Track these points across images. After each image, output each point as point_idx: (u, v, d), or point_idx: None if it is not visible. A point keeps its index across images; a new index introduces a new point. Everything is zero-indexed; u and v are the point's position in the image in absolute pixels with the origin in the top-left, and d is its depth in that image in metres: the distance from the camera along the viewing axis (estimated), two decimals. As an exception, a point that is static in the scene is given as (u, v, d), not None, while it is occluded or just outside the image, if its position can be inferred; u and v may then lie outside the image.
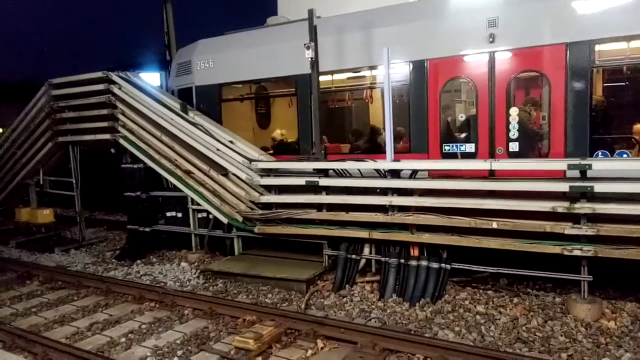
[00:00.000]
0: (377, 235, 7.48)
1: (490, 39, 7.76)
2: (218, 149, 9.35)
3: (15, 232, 12.86)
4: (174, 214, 10.28)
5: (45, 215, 12.33)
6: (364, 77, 9.33)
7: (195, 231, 9.96)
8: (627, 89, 7.50)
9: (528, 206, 6.48)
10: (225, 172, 9.16)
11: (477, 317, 6.43)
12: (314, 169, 8.35)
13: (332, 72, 9.37)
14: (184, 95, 11.25)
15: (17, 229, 12.91)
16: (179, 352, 5.87)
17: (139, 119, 10.29)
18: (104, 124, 10.68)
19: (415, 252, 7.32)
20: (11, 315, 7.51)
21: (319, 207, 8.17)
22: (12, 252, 11.66)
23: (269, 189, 8.80)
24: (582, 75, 7.22)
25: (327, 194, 8.14)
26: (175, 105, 10.42)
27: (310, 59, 8.45)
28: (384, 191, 7.71)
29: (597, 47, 7.11)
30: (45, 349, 5.99)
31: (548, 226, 6.33)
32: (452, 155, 8.24)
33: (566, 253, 6.19)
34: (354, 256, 7.83)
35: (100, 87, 10.70)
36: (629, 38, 6.91)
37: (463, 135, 8.36)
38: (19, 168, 12.48)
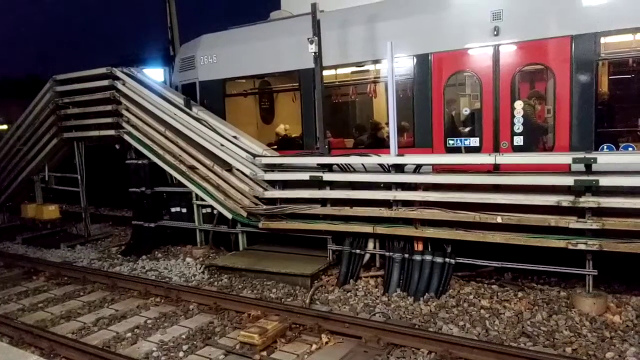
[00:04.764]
0: (381, 230, 7.47)
1: (495, 32, 7.70)
2: (222, 144, 9.36)
3: (21, 228, 12.98)
4: (178, 209, 10.31)
5: (51, 211, 12.40)
6: (367, 71, 9.28)
7: (200, 227, 9.99)
8: (632, 82, 7.43)
9: (533, 200, 6.45)
10: (229, 168, 9.17)
11: (482, 311, 6.42)
12: (317, 164, 8.34)
13: (335, 67, 9.33)
14: (188, 91, 11.24)
15: (23, 225, 13.02)
16: (185, 347, 5.92)
17: (143, 115, 10.30)
18: (109, 120, 10.70)
19: (419, 246, 7.31)
20: (18, 311, 7.58)
21: (323, 202, 8.17)
22: (19, 248, 11.78)
23: (273, 184, 8.81)
24: (587, 68, 7.16)
25: (331, 189, 8.14)
26: (179, 100, 10.42)
27: (313, 54, 8.43)
28: (388, 186, 7.70)
29: (603, 40, 7.05)
30: (51, 344, 6.05)
31: (553, 220, 6.31)
32: (456, 150, 8.20)
33: (571, 247, 6.16)
34: (358, 251, 7.83)
35: (105, 83, 10.72)
36: (634, 30, 6.84)
37: (467, 129, 8.32)
38: (24, 164, 12.54)
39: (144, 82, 10.77)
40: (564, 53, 7.27)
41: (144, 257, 10.07)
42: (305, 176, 8.27)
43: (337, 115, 10.54)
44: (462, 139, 8.19)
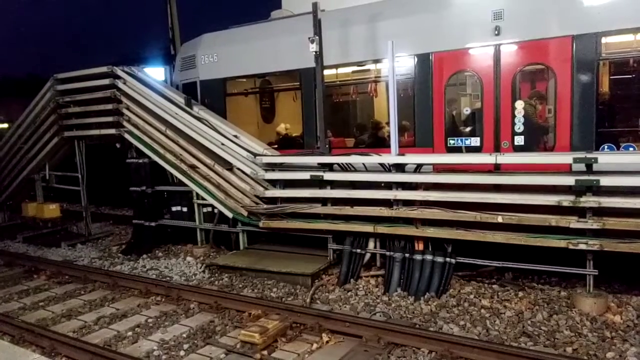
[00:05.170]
0: (382, 229, 7.47)
1: (496, 32, 7.70)
2: (223, 144, 9.37)
3: (22, 227, 12.97)
4: (179, 208, 10.31)
5: (52, 210, 12.40)
6: (368, 70, 9.28)
7: (200, 226, 9.99)
8: (633, 82, 7.42)
9: (533, 200, 6.45)
10: (230, 167, 9.18)
11: (482, 311, 6.42)
12: (318, 163, 8.34)
13: (336, 66, 9.34)
14: (189, 90, 11.24)
15: (24, 224, 13.01)
16: (185, 346, 5.92)
17: (143, 114, 10.30)
18: (109, 119, 10.71)
19: (420, 246, 7.31)
20: (19, 310, 7.58)
21: (323, 201, 8.17)
22: (20, 247, 11.78)
23: (274, 183, 8.81)
24: (588, 68, 7.17)
25: (331, 188, 8.14)
26: (180, 99, 10.42)
27: (314, 53, 8.43)
28: (388, 185, 7.70)
29: (604, 40, 7.05)
30: (52, 343, 6.05)
31: (553, 220, 6.31)
32: (457, 149, 8.21)
33: (571, 247, 6.16)
34: (358, 250, 7.83)
35: (105, 81, 10.73)
36: (635, 30, 6.85)
37: (468, 129, 8.32)
38: (25, 163, 12.54)
39: (145, 81, 10.78)
40: (565, 53, 7.27)
41: (144, 256, 10.06)
42: (306, 175, 8.27)
43: (337, 114, 10.56)
44: (463, 138, 8.19)
